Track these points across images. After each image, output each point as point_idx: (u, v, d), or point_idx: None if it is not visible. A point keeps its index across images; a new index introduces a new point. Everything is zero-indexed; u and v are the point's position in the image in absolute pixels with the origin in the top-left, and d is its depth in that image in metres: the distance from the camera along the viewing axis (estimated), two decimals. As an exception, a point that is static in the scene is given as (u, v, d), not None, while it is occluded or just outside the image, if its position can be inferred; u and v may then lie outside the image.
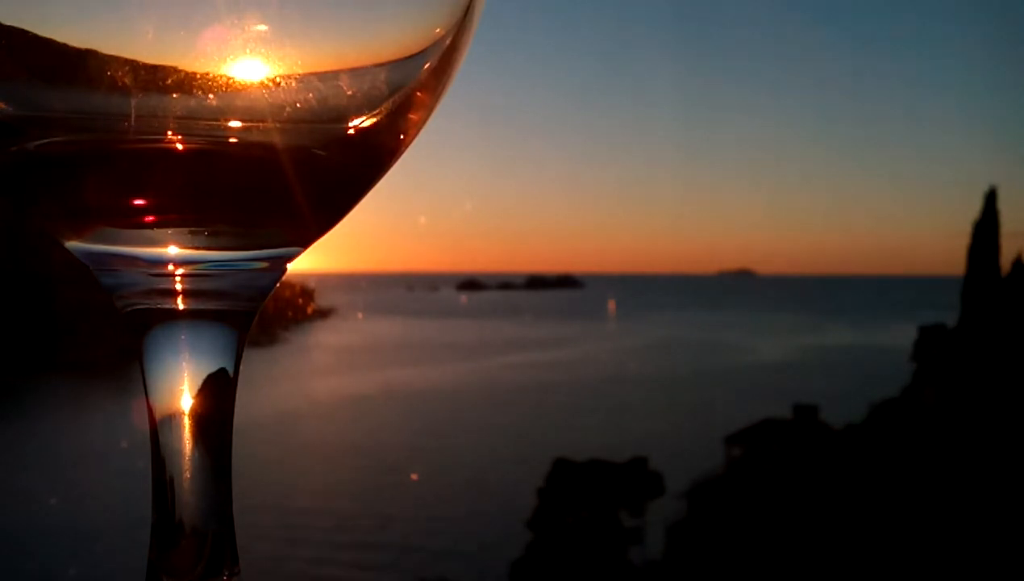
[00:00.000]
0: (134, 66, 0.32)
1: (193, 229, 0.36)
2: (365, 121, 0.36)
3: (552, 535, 18.61)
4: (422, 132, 0.40)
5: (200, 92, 0.33)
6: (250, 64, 0.33)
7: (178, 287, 0.38)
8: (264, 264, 0.39)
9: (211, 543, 0.40)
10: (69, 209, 0.36)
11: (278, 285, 0.41)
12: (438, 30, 0.36)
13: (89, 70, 0.32)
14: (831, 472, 19.87)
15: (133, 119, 0.33)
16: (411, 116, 0.38)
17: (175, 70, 0.33)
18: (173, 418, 0.39)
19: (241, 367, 0.40)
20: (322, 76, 0.35)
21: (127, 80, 0.32)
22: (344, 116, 0.36)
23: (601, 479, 19.63)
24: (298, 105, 0.34)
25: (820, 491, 18.98)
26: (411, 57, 0.36)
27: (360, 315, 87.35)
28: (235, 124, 0.34)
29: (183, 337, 0.39)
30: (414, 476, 27.51)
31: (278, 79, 0.34)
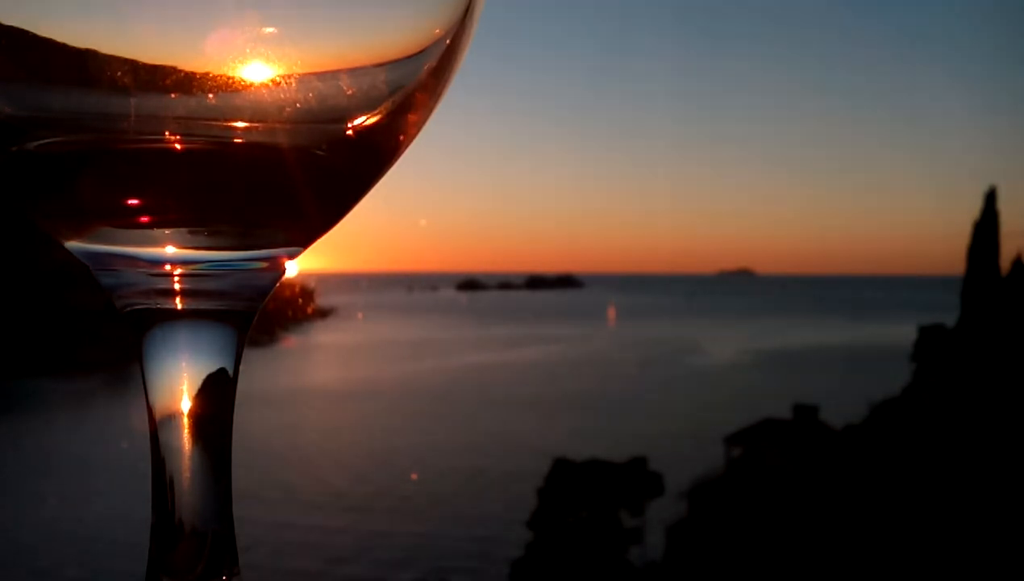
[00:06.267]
0: (134, 66, 0.32)
1: (193, 229, 0.36)
2: (365, 121, 0.36)
3: (552, 535, 18.60)
4: (422, 132, 0.39)
5: (200, 92, 0.33)
6: (250, 64, 0.33)
7: (178, 287, 0.38)
8: (264, 264, 0.39)
9: (211, 543, 0.39)
10: (69, 209, 0.36)
11: (278, 285, 0.41)
12: (438, 30, 0.36)
13: (89, 70, 0.32)
14: (831, 472, 19.86)
15: (133, 119, 0.33)
16: (411, 116, 0.38)
17: (175, 70, 0.33)
18: (173, 418, 0.39)
19: (241, 366, 0.40)
20: (322, 76, 0.35)
21: (127, 80, 0.32)
22: (344, 116, 0.36)
23: (601, 479, 19.62)
24: (298, 105, 0.34)
25: (820, 491, 18.97)
26: (411, 57, 0.36)
27: (360, 315, 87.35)
28: (235, 124, 0.34)
29: (183, 337, 0.39)
30: (413, 476, 27.49)
31: (278, 79, 0.34)
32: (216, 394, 0.39)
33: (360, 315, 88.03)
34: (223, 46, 0.33)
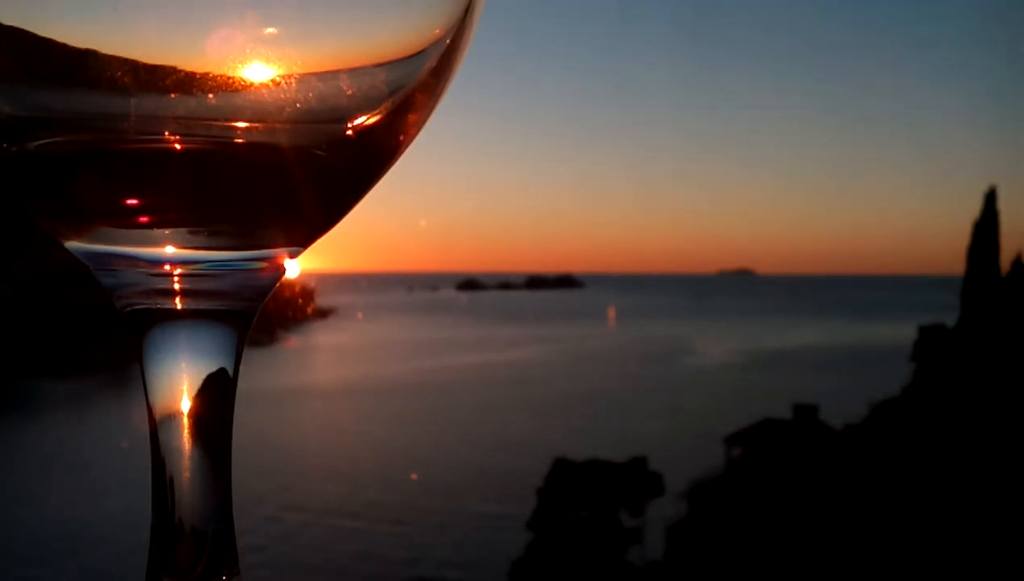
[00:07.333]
0: (134, 66, 0.32)
1: (193, 229, 0.36)
2: (365, 121, 0.36)
3: (552, 535, 18.60)
4: (422, 132, 0.39)
5: (200, 92, 0.33)
6: (250, 64, 0.33)
7: (178, 287, 0.38)
8: (264, 264, 0.39)
9: (211, 543, 0.39)
10: (69, 209, 0.36)
11: (278, 285, 0.41)
12: (438, 30, 0.36)
13: (89, 70, 0.32)
14: (831, 472, 19.86)
15: (133, 119, 0.33)
16: (410, 116, 0.38)
17: (175, 70, 0.33)
18: (173, 418, 0.39)
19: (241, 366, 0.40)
20: (322, 76, 0.35)
21: (127, 80, 0.32)
22: (344, 116, 0.36)
23: (601, 479, 19.62)
24: (298, 105, 0.34)
25: (820, 491, 18.97)
26: (411, 57, 0.36)
27: (360, 315, 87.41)
28: (235, 124, 0.34)
29: (183, 337, 0.39)
30: (413, 476, 27.51)
31: (278, 79, 0.34)
32: (216, 394, 0.39)
33: (360, 315, 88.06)
34: (223, 46, 0.33)
